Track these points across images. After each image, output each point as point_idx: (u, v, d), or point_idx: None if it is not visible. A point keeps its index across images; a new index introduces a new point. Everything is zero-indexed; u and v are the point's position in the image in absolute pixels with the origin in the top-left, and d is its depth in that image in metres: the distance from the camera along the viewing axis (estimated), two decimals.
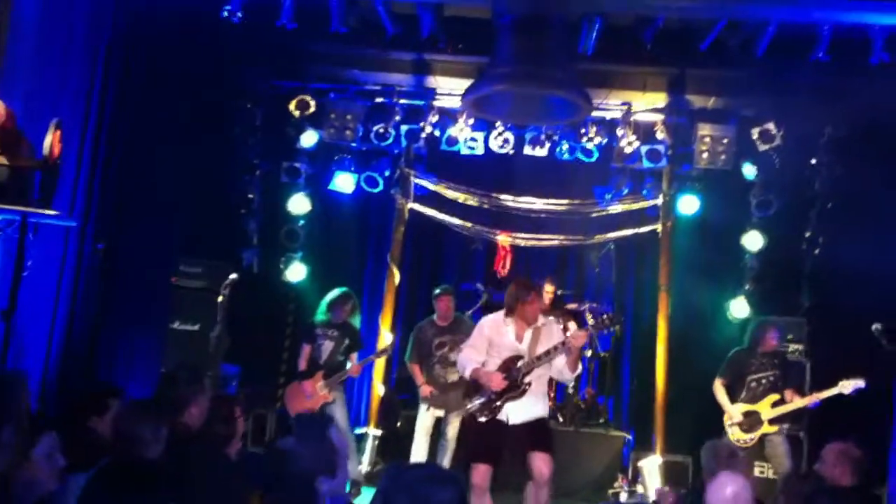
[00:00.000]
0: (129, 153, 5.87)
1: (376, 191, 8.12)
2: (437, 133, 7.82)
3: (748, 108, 7.63)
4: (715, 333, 7.49)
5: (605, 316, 5.24)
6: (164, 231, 6.42)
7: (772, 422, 5.98)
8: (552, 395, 7.04)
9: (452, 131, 7.75)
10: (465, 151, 7.85)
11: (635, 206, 7.82)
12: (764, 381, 6.08)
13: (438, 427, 6.58)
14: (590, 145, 7.67)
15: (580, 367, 5.46)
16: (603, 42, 6.62)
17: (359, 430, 7.34)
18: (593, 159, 7.79)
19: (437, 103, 7.74)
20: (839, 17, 6.04)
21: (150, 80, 5.92)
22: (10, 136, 4.23)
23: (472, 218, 7.96)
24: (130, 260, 5.93)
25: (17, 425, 1.74)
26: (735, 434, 6.03)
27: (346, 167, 8.03)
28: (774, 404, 5.98)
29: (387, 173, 8.08)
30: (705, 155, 7.50)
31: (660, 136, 7.62)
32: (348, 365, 6.53)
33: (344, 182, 8.02)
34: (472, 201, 7.93)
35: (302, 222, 8.13)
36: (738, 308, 7.63)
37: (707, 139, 7.47)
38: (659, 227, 7.71)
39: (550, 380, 5.39)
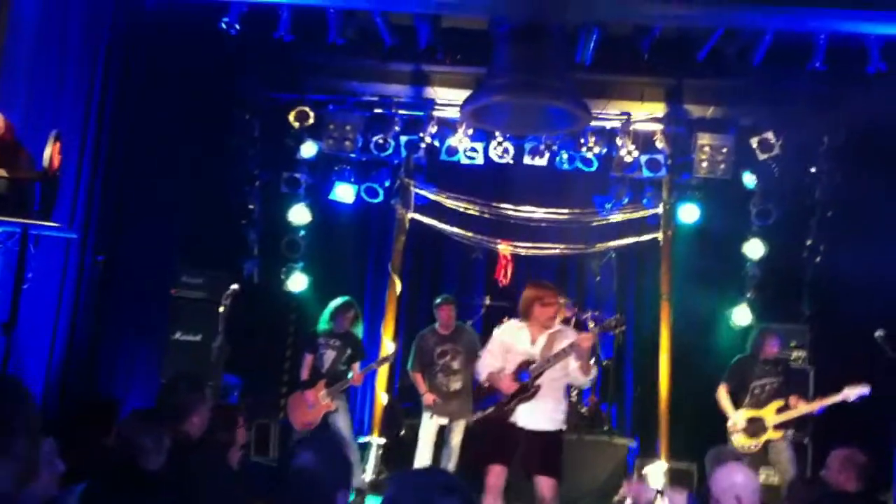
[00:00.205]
0: (128, 164, 5.90)
1: (376, 201, 8.13)
2: (436, 143, 7.83)
3: (746, 117, 7.65)
4: (717, 341, 7.50)
5: (610, 319, 5.25)
6: (165, 242, 6.43)
7: (776, 428, 5.94)
8: None
9: (452, 141, 7.77)
10: (464, 161, 7.86)
11: (636, 216, 7.83)
12: (767, 387, 6.06)
13: (442, 435, 6.57)
14: (589, 155, 7.69)
15: (595, 370, 5.42)
16: (600, 52, 6.66)
17: (362, 439, 7.30)
18: (593, 169, 7.81)
19: (436, 114, 7.76)
20: (835, 26, 6.06)
21: (148, 92, 5.94)
22: (10, 148, 4.21)
23: (473, 227, 7.95)
24: (130, 271, 5.93)
25: (29, 437, 1.70)
26: (739, 440, 6.00)
27: (345, 178, 8.05)
28: (779, 410, 5.95)
29: (387, 183, 8.09)
30: (705, 164, 7.52)
31: (659, 145, 7.64)
32: (350, 374, 6.53)
33: (344, 192, 8.04)
34: (472, 211, 7.93)
35: (302, 233, 8.12)
36: (740, 316, 7.62)
37: (706, 148, 7.49)
38: (660, 235, 7.72)
39: (568, 387, 5.37)
